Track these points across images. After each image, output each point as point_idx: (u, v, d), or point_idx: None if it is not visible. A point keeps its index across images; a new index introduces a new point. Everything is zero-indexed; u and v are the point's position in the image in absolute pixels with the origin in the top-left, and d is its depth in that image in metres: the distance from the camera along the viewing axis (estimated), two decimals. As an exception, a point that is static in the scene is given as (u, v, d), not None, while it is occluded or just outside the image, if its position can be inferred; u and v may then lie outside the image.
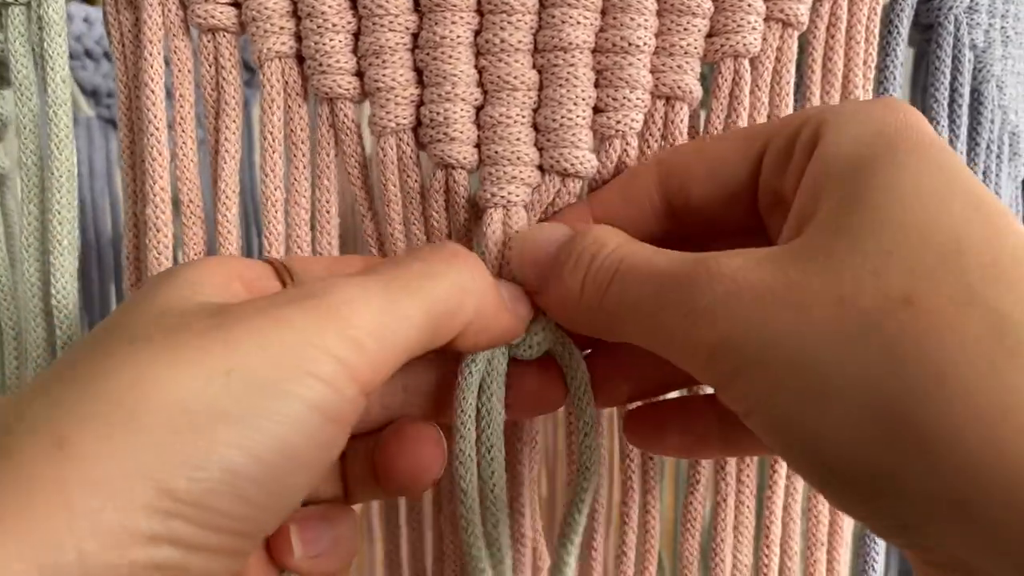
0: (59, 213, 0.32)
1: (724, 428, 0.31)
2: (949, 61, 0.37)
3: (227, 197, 0.32)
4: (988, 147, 0.40)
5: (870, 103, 0.27)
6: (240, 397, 0.21)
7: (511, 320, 0.29)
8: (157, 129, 0.31)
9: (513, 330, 0.29)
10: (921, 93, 0.40)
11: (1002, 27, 0.39)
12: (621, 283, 0.26)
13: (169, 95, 0.31)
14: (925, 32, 0.38)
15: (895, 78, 0.36)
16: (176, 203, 0.32)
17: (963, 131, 0.38)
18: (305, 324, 0.23)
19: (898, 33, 0.35)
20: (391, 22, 0.30)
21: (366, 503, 0.47)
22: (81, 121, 0.69)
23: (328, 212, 0.31)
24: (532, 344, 0.30)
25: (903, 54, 0.36)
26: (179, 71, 0.31)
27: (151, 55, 0.31)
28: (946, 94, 0.37)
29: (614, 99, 0.30)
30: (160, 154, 0.31)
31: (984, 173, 0.40)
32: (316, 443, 0.23)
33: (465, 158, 0.30)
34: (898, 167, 0.23)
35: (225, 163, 0.31)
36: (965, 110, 0.38)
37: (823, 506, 0.35)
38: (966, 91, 0.38)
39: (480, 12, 0.30)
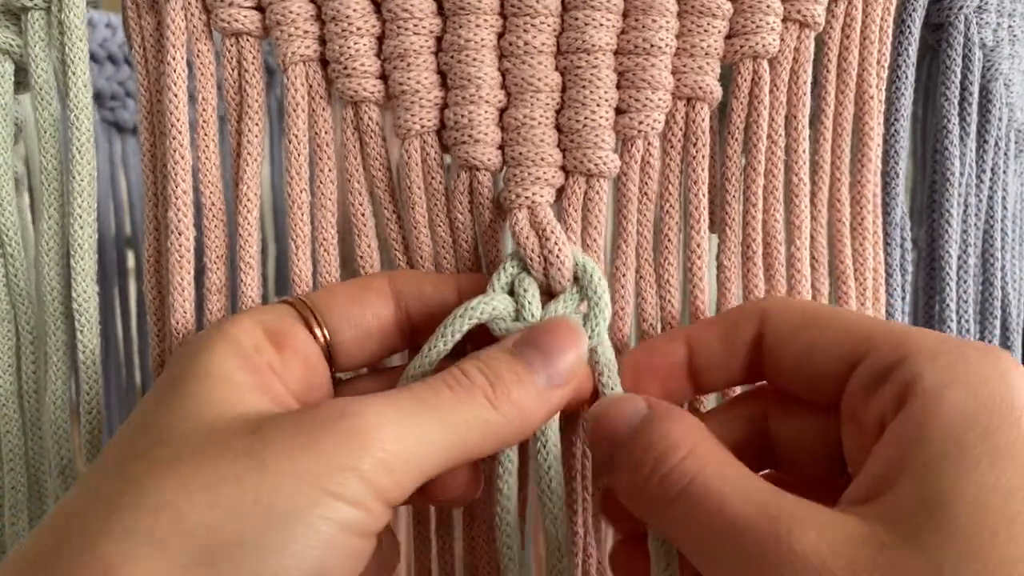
0: (80, 216, 0.32)
1: None
2: (959, 60, 0.38)
3: (248, 200, 0.32)
4: (996, 144, 0.40)
5: (974, 359, 0.25)
6: (268, 524, 0.23)
7: (548, 408, 0.28)
8: (180, 132, 0.31)
9: (549, 414, 0.29)
10: (924, 91, 0.41)
11: (1009, 26, 0.39)
12: (687, 506, 0.25)
13: (191, 98, 0.31)
14: (935, 32, 0.38)
15: (907, 77, 0.36)
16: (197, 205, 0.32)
17: (973, 129, 0.39)
18: (337, 449, 0.24)
19: (910, 33, 0.36)
20: (415, 25, 0.30)
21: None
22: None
23: (363, 215, 0.31)
24: None
25: (915, 54, 0.36)
26: (202, 75, 0.31)
27: (174, 59, 0.31)
28: (957, 92, 0.38)
29: (636, 100, 0.31)
30: (183, 157, 0.31)
31: (992, 170, 0.40)
32: (348, 557, 0.24)
33: (489, 160, 0.31)
34: (999, 459, 0.23)
35: (247, 166, 0.31)
36: (975, 108, 0.38)
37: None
38: (976, 89, 0.38)
39: (503, 15, 0.30)
